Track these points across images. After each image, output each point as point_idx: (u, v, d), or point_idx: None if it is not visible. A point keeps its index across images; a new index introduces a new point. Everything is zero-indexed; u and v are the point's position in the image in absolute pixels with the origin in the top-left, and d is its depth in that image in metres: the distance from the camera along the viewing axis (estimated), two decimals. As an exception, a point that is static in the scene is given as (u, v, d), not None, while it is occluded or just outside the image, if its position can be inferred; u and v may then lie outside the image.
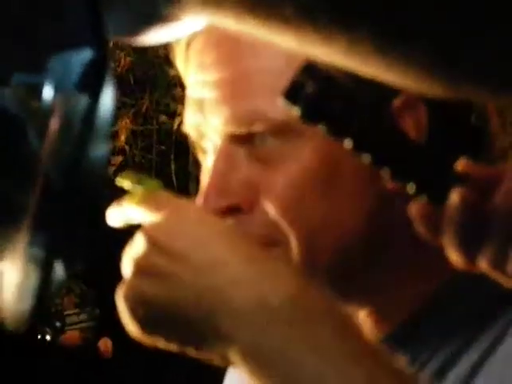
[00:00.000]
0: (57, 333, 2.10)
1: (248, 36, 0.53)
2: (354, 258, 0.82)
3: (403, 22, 0.46)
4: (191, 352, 0.72)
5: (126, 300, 0.73)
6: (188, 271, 0.72)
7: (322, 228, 0.81)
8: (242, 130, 0.81)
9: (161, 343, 0.73)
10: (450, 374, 0.79)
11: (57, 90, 0.51)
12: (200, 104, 0.83)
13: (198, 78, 0.83)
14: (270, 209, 0.81)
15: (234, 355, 0.70)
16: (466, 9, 0.45)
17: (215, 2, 0.50)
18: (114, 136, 2.90)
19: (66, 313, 2.16)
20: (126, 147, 2.88)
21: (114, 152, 2.94)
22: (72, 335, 2.11)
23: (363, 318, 0.85)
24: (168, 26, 0.55)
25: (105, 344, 2.22)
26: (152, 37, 0.56)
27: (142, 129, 2.80)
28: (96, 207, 0.58)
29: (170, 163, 2.65)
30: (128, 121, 2.74)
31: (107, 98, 0.54)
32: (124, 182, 0.77)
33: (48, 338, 2.12)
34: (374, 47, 0.47)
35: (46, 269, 0.53)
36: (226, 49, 0.81)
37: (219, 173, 0.82)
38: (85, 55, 0.51)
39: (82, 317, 2.16)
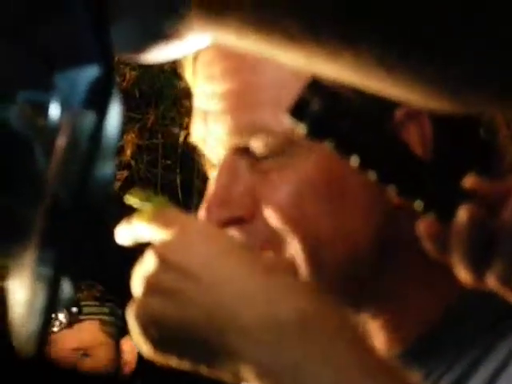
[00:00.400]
0: (73, 317, 2.00)
1: (252, 52, 0.53)
2: (361, 270, 0.82)
3: (405, 31, 0.47)
4: (203, 370, 0.72)
5: (137, 318, 0.73)
6: (197, 288, 0.72)
7: (327, 240, 0.81)
8: (245, 142, 0.81)
9: (173, 362, 0.73)
10: None
11: (63, 107, 0.51)
12: (206, 115, 0.83)
13: (206, 89, 0.83)
14: (271, 217, 0.81)
15: (246, 373, 0.70)
16: (467, 13, 0.45)
17: (218, 20, 0.51)
18: (120, 151, 2.90)
19: (83, 303, 2.06)
20: (132, 162, 2.89)
21: (120, 167, 2.95)
22: (91, 326, 2.01)
23: (377, 329, 0.84)
24: (172, 44, 0.55)
25: (128, 344, 2.09)
26: (157, 54, 0.56)
27: (147, 143, 2.81)
28: (103, 224, 0.58)
29: (175, 177, 2.65)
30: (133, 135, 2.75)
31: (114, 115, 0.54)
32: (132, 200, 0.78)
33: (63, 319, 2.01)
34: (377, 60, 0.47)
35: (53, 287, 0.54)
36: (234, 60, 0.81)
37: (221, 185, 0.82)
38: (91, 72, 0.52)
39: (103, 309, 2.05)
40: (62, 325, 1.95)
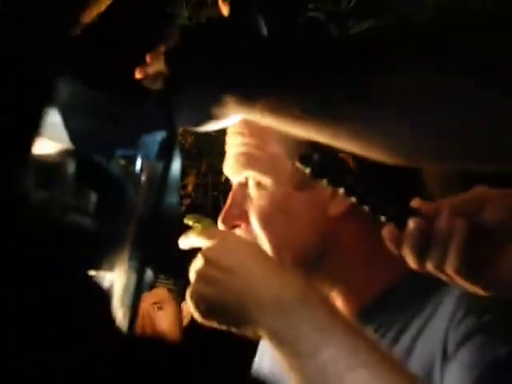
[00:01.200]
0: (152, 284, 1.95)
1: (274, 126, 0.52)
2: (309, 257, 0.81)
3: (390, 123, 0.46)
4: (234, 330, 0.72)
5: (191, 297, 0.73)
6: (231, 279, 0.72)
7: (285, 238, 0.81)
8: (245, 179, 0.82)
9: (214, 324, 0.73)
10: (402, 338, 0.77)
11: (143, 159, 0.52)
12: (229, 158, 0.84)
13: (231, 140, 0.84)
14: (254, 226, 0.82)
15: (261, 333, 0.70)
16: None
17: (249, 107, 0.51)
18: (184, 187, 2.94)
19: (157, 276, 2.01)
20: (192, 193, 2.91)
21: (185, 197, 2.98)
22: (162, 290, 1.99)
23: (335, 296, 0.82)
24: (216, 120, 0.55)
25: (186, 306, 2.02)
26: (208, 127, 0.56)
27: (201, 181, 2.84)
28: (171, 235, 0.58)
29: (220, 204, 2.65)
30: (193, 177, 2.78)
31: (176, 164, 0.54)
32: (189, 221, 0.79)
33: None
34: (362, 137, 0.47)
35: (140, 273, 0.54)
36: (247, 127, 0.81)
37: (228, 203, 0.83)
38: (161, 137, 0.52)
39: (170, 282, 2.01)
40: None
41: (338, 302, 0.81)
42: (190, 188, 3.17)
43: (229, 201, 0.84)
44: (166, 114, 0.53)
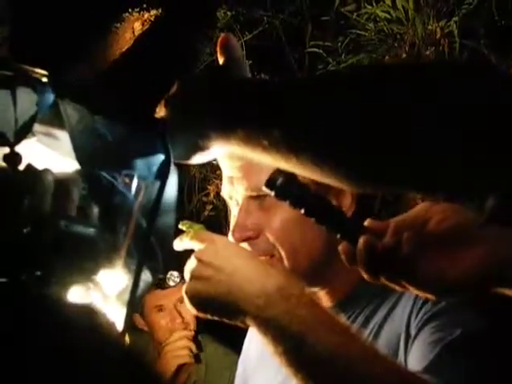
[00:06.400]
0: (178, 282, 1.88)
1: (250, 156, 0.54)
2: (316, 265, 0.83)
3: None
4: (225, 320, 0.74)
5: (186, 294, 0.75)
6: (221, 277, 0.73)
7: (299, 249, 0.82)
8: (254, 194, 0.83)
9: (208, 316, 0.75)
10: (370, 323, 0.80)
11: (143, 178, 0.55)
12: (231, 179, 0.84)
13: (231, 164, 0.85)
14: (270, 237, 0.82)
15: (249, 322, 0.72)
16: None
17: (226, 140, 0.53)
18: (208, 194, 3.03)
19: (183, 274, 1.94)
20: (214, 200, 2.99)
21: (208, 203, 3.09)
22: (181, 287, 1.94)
23: (322, 295, 0.85)
24: (203, 152, 0.57)
25: None
26: (195, 159, 0.58)
27: (216, 190, 2.96)
28: (166, 242, 0.60)
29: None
30: (214, 186, 2.88)
31: (172, 183, 0.56)
32: (183, 226, 0.80)
33: (172, 283, 1.96)
34: (314, 165, 0.49)
35: (137, 274, 0.56)
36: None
37: (241, 218, 0.83)
38: (158, 161, 0.55)
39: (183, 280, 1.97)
40: (173, 285, 1.89)
41: (318, 297, 0.83)
42: (211, 195, 3.24)
43: (239, 215, 0.83)
44: (163, 144, 0.55)
